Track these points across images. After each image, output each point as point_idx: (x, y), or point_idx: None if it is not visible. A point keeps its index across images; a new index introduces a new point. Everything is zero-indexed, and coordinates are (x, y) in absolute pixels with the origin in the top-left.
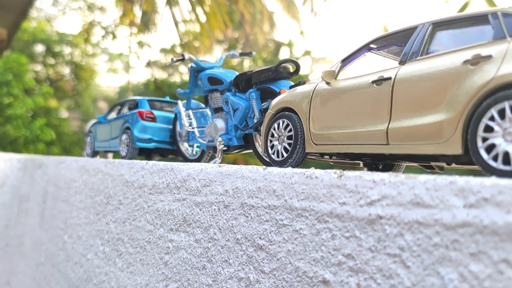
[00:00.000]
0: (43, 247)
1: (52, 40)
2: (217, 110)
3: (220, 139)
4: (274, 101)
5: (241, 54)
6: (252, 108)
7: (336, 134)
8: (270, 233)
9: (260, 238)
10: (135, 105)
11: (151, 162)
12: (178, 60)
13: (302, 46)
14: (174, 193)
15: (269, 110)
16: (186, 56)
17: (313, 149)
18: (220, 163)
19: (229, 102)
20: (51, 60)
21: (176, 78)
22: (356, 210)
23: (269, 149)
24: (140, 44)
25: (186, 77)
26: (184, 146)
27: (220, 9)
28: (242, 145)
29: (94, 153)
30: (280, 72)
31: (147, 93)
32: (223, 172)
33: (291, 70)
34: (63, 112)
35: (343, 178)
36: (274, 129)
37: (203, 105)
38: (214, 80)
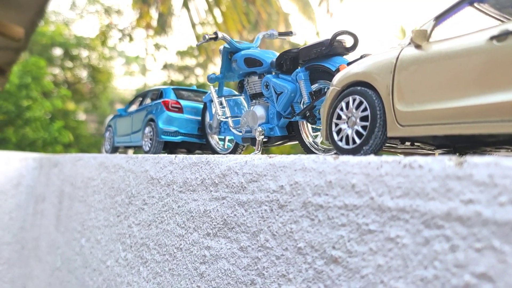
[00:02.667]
0: (59, 251)
1: (70, 44)
2: (254, 97)
3: (260, 128)
4: (340, 75)
5: (280, 34)
6: (299, 91)
7: (437, 111)
8: (348, 241)
9: (333, 247)
10: (159, 95)
11: (180, 156)
12: (210, 39)
13: None
14: (211, 191)
15: (331, 87)
16: (220, 35)
17: (398, 132)
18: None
19: (270, 85)
20: (69, 63)
21: (192, 80)
22: (494, 211)
23: (335, 134)
24: (157, 46)
25: (202, 80)
26: (214, 139)
27: (237, 9)
28: (286, 136)
29: (114, 149)
30: (335, 47)
31: None
32: (275, 164)
33: (348, 44)
34: (80, 115)
35: (466, 166)
36: (342, 109)
37: (236, 92)
38: (252, 62)
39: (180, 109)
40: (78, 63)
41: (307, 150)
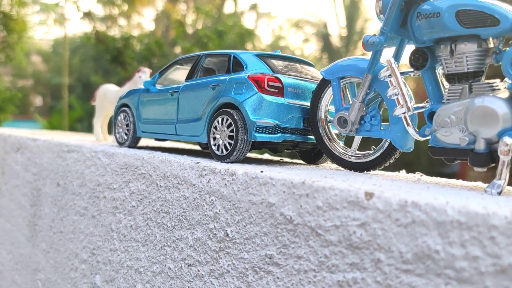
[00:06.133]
0: (39, 275)
1: None
2: (460, 78)
3: (508, 139)
4: None
5: None
6: None
7: None
8: None
9: None
10: (230, 63)
11: (391, 197)
12: None
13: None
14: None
15: None
16: None
17: None
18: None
19: None
20: None
21: (115, 31)
22: None
23: None
24: None
25: (127, 30)
26: (336, 141)
27: None
28: None
29: (136, 140)
30: None
31: (85, 47)
32: None
33: None
34: None
35: None
36: None
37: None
38: (474, 18)
39: (280, 90)
40: None
41: None
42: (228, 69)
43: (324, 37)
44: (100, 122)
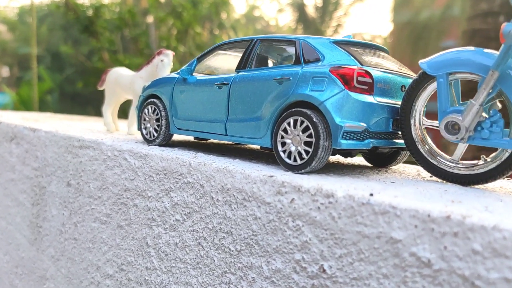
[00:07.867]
0: (46, 283)
1: None
2: None
3: None
4: None
5: None
6: None
7: None
8: None
9: None
10: (298, 52)
11: None
12: None
13: None
14: None
15: None
16: None
17: None
18: None
19: None
20: None
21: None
22: None
23: None
24: None
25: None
26: (433, 149)
27: None
28: None
29: (168, 137)
30: None
31: (53, 16)
32: None
33: None
34: None
35: None
36: None
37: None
38: None
39: (370, 87)
40: None
41: None
42: (297, 59)
43: (299, 7)
44: (110, 110)
